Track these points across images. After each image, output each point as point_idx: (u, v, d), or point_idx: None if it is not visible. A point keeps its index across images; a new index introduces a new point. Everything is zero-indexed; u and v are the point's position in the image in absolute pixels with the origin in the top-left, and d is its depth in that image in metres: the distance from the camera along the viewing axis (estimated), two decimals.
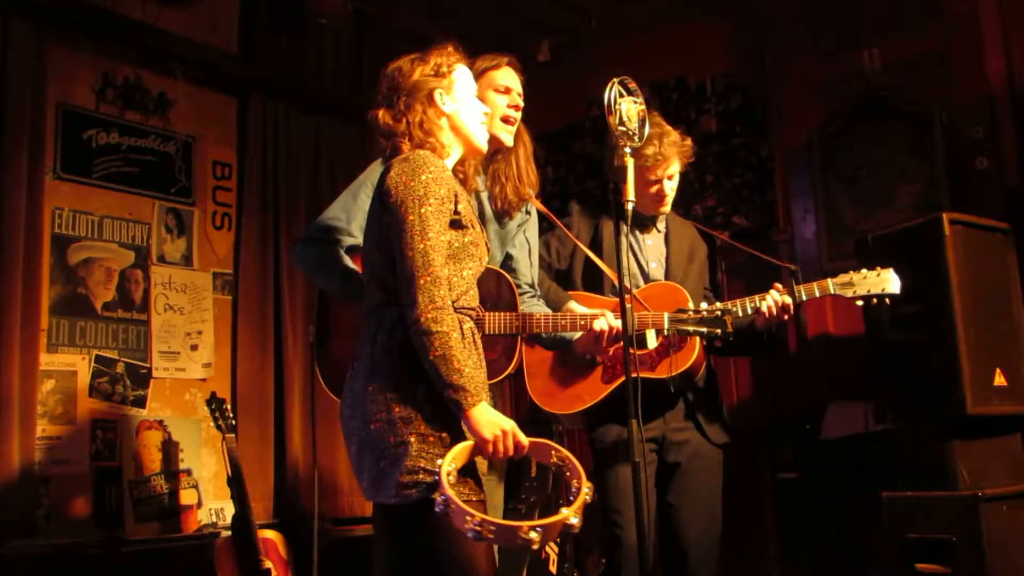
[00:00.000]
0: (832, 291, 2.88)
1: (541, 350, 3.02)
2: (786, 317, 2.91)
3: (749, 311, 2.89)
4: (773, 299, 2.87)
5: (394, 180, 2.16)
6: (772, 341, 3.07)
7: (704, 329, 2.65)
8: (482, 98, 2.73)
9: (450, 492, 1.96)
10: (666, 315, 2.69)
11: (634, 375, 2.85)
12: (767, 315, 2.88)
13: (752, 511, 4.53)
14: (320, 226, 2.71)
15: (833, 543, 4.17)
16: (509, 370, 2.70)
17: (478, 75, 2.75)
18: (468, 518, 1.94)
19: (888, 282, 2.87)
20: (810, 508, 4.28)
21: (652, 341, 2.91)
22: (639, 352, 2.89)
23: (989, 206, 3.79)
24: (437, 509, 1.97)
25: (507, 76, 2.82)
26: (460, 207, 2.21)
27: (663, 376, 2.91)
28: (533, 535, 1.93)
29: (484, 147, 2.42)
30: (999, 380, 3.16)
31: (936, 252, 3.15)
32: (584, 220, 3.17)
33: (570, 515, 1.99)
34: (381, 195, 2.20)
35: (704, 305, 2.72)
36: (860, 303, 2.89)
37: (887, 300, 2.88)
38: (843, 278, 2.89)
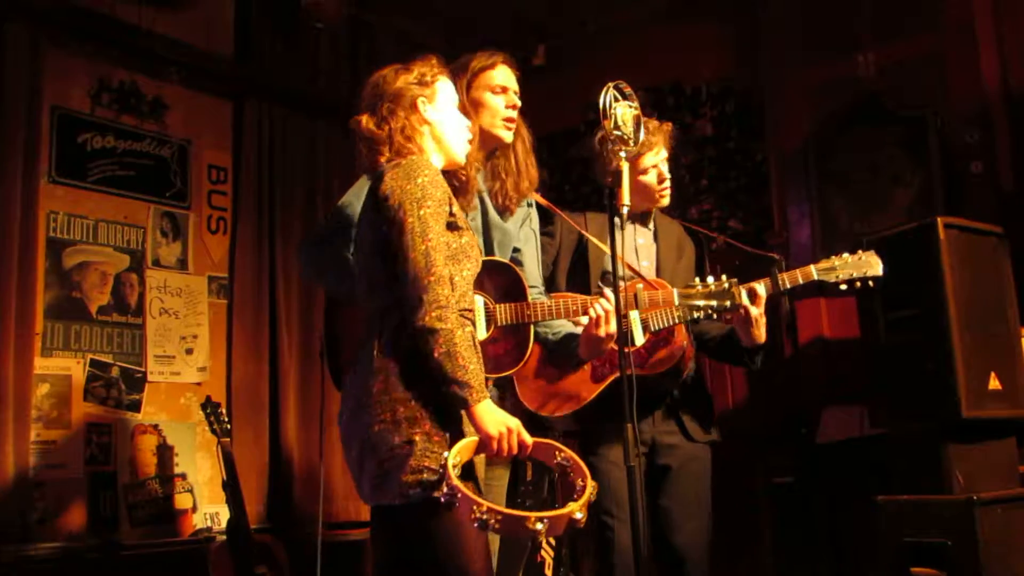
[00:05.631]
0: (815, 276, 2.86)
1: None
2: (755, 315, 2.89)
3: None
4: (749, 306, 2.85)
5: (390, 185, 2.19)
6: (752, 353, 3.05)
7: (714, 302, 2.67)
8: (479, 100, 2.75)
9: (457, 482, 1.97)
10: (675, 291, 2.70)
11: (627, 373, 2.86)
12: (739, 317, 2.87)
13: (748, 515, 4.53)
14: (327, 229, 2.70)
15: (829, 547, 4.18)
16: (522, 363, 2.67)
17: (473, 75, 2.77)
18: (475, 507, 1.94)
19: (871, 265, 2.86)
20: (806, 512, 4.28)
21: (640, 338, 2.90)
22: (628, 349, 2.89)
23: (983, 210, 3.80)
24: (443, 499, 1.99)
25: (502, 75, 2.81)
26: (454, 209, 2.25)
27: (653, 373, 2.90)
28: (540, 526, 1.94)
29: (462, 160, 2.46)
30: (994, 384, 3.17)
31: (931, 256, 3.16)
32: (568, 224, 3.15)
33: (576, 509, 2.01)
34: (376, 201, 2.22)
35: (711, 280, 2.71)
36: (844, 287, 2.88)
37: (871, 283, 2.87)
38: (825, 263, 2.88)
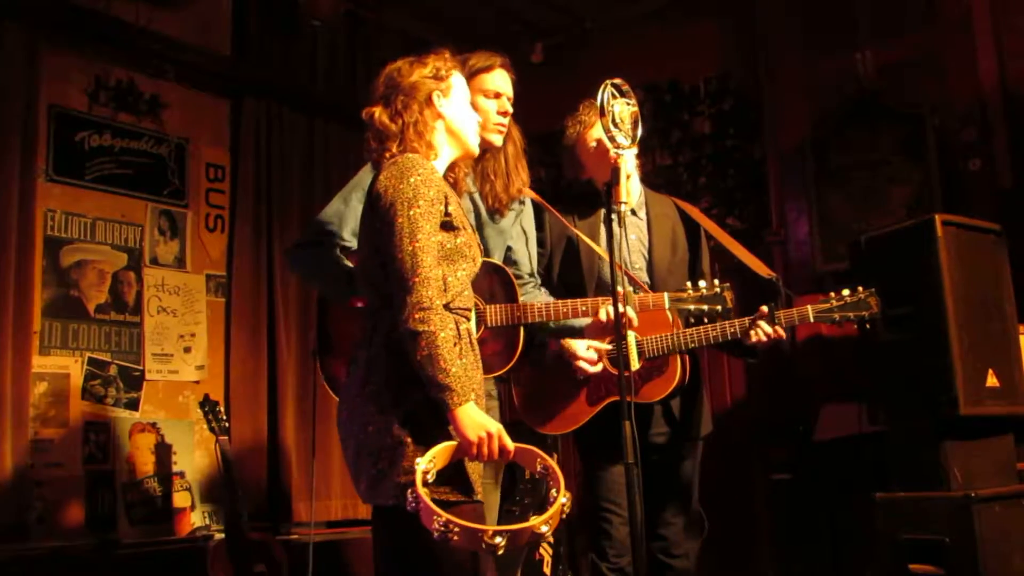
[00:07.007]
0: (812, 319, 2.88)
1: (528, 369, 2.99)
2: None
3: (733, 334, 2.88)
4: (763, 331, 2.85)
5: (383, 184, 2.19)
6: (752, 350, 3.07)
7: (705, 307, 2.67)
8: (472, 102, 2.74)
9: (421, 490, 1.95)
10: (666, 295, 2.70)
11: (615, 399, 2.86)
12: (757, 342, 2.88)
13: (746, 512, 4.54)
14: (313, 230, 2.71)
15: (827, 544, 4.18)
16: (511, 364, 2.68)
17: (470, 75, 2.75)
18: (435, 517, 1.93)
19: (869, 305, 2.86)
20: (804, 509, 4.28)
21: (635, 362, 2.88)
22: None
23: (981, 207, 3.81)
24: (409, 507, 1.97)
25: (498, 80, 2.80)
26: (451, 208, 2.22)
27: (644, 402, 2.88)
28: (498, 540, 1.93)
29: (476, 151, 2.45)
30: (991, 381, 3.17)
31: (929, 253, 3.16)
32: (557, 223, 3.13)
33: (539, 524, 1.99)
34: (371, 199, 2.22)
35: (702, 284, 2.71)
36: (838, 322, 2.90)
37: (867, 325, 2.89)
38: (822, 305, 2.88)
